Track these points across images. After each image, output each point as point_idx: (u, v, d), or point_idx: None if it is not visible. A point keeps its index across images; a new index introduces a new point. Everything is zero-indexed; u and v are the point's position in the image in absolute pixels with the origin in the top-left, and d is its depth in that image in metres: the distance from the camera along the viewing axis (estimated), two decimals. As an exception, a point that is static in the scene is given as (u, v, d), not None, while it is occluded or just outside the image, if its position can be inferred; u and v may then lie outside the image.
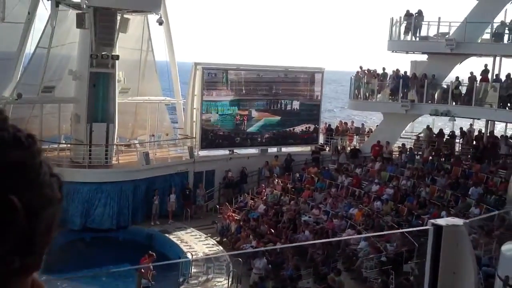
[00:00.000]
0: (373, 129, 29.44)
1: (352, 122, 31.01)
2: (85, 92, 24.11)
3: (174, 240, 21.87)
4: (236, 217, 22.70)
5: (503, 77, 24.92)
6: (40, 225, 0.95)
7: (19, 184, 0.93)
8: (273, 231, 21.11)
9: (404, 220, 20.72)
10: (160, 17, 25.91)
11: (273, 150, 28.68)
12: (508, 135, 25.81)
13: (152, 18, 26.96)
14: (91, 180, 22.75)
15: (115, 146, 24.92)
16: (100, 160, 23.96)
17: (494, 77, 25.23)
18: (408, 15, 27.07)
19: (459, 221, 2.52)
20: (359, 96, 28.32)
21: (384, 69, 28.20)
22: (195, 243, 21.62)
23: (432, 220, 2.55)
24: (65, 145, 25.64)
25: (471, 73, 25.61)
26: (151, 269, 17.15)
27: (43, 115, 24.59)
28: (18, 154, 0.95)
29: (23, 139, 0.97)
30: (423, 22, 27.22)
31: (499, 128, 28.43)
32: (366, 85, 27.94)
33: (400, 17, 27.29)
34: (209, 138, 26.88)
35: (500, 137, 25.37)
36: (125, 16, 24.49)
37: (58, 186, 1.01)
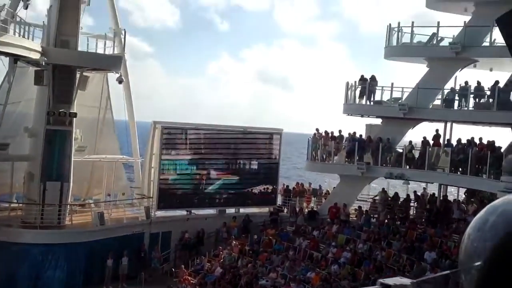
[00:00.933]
0: (330, 191, 29.76)
1: (310, 184, 31.31)
2: (40, 149, 23.66)
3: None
4: (192, 281, 22.27)
5: (454, 143, 25.76)
6: None
7: None
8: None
9: (361, 284, 20.75)
10: (120, 75, 25.93)
11: (231, 210, 28.56)
12: (460, 199, 26.49)
13: (112, 76, 26.98)
14: (42, 242, 22.04)
15: (68, 205, 24.33)
16: (53, 220, 23.31)
17: (446, 142, 26.06)
18: (362, 79, 27.92)
19: (406, 281, 2.63)
20: (317, 158, 28.73)
21: (340, 131, 28.80)
22: (149, 308, 21.03)
23: (380, 280, 2.65)
24: (17, 205, 24.87)
25: (424, 137, 26.40)
26: None
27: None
28: None
29: None
30: (377, 87, 28.04)
31: (452, 192, 29.15)
32: (323, 147, 28.39)
33: (355, 82, 28.12)
34: (167, 198, 26.60)
35: (453, 201, 26.01)
36: (85, 74, 24.43)
37: None
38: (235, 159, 28.63)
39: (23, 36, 22.57)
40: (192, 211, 27.48)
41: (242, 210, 28.68)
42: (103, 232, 23.49)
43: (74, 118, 24.17)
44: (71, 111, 24.01)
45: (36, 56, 22.41)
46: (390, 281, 2.65)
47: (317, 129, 29.35)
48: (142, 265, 23.76)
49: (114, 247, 23.55)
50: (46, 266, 21.88)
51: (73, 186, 24.60)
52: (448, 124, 26.59)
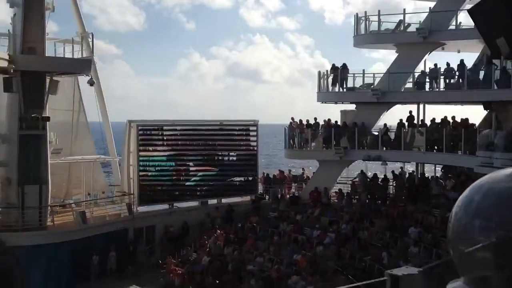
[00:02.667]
0: (310, 177, 30.05)
1: (289, 171, 31.53)
2: (15, 155, 23.37)
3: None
4: (180, 271, 22.24)
5: (428, 122, 26.34)
6: None
7: None
8: (218, 282, 20.81)
9: (347, 263, 21.02)
10: (91, 78, 25.76)
11: (213, 201, 28.61)
12: (438, 175, 27.04)
13: (83, 79, 26.81)
14: (25, 244, 21.68)
15: (49, 207, 24.05)
16: (34, 222, 23.04)
17: (420, 123, 26.63)
18: (333, 68, 28.36)
19: (413, 270, 2.67)
20: (294, 145, 29.01)
21: (316, 119, 29.14)
22: (139, 301, 20.93)
23: (388, 271, 2.72)
24: (-4, 209, 24.50)
25: (401, 120, 26.95)
26: None
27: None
28: None
29: None
30: (348, 74, 28.51)
31: (428, 170, 29.73)
32: (300, 135, 28.70)
33: (327, 71, 28.55)
34: (148, 194, 26.53)
35: (431, 178, 26.54)
36: (54, 78, 24.19)
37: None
38: (213, 153, 28.70)
39: (-11, 46, 22.31)
40: (175, 205, 27.43)
41: (224, 200, 28.74)
42: (86, 231, 23.31)
43: (47, 122, 23.90)
44: (43, 115, 23.75)
45: (3, 64, 22.18)
46: (398, 271, 2.72)
47: (292, 118, 29.64)
48: (129, 260, 23.62)
49: (98, 244, 23.40)
50: (30, 267, 21.54)
51: (52, 188, 24.33)
52: (421, 106, 27.20)
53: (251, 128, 29.86)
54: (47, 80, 23.86)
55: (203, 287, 20.40)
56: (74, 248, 22.69)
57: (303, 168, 31.88)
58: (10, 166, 23.54)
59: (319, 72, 28.98)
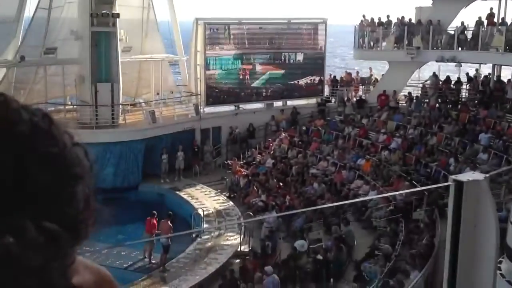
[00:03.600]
0: (378, 79, 29.22)
1: (357, 72, 30.75)
2: (87, 52, 23.92)
3: (185, 197, 22.13)
4: (244, 172, 22.87)
5: (509, 21, 24.53)
6: (77, 206, 0.94)
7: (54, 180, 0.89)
8: (281, 184, 21.29)
9: (412, 169, 20.83)
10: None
11: (278, 104, 28.58)
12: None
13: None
14: (99, 141, 22.78)
15: (121, 105, 24.88)
16: (107, 120, 24.01)
17: (500, 21, 24.83)
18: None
19: (480, 176, 2.53)
20: (364, 45, 28.00)
21: (388, 16, 27.77)
22: (205, 199, 21.87)
23: (453, 176, 2.56)
24: (71, 107, 25.66)
25: (479, 17, 25.20)
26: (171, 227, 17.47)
27: (47, 77, 24.51)
28: (44, 148, 0.90)
29: (42, 125, 0.92)
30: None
31: (506, 73, 28.15)
32: (371, 34, 27.58)
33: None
34: (214, 95, 26.80)
35: (507, 81, 25.14)
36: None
37: (84, 154, 0.98)
38: (280, 52, 28.21)
39: None
40: (240, 106, 27.66)
41: (289, 102, 28.64)
42: (156, 130, 24.07)
43: (117, 19, 24.09)
44: (113, 11, 23.91)
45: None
46: (462, 177, 2.55)
47: (363, 16, 28.39)
48: (195, 159, 24.46)
49: (167, 143, 24.22)
50: (105, 164, 22.76)
51: (123, 87, 24.99)
52: (503, 2, 25.25)
53: (319, 26, 28.90)
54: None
55: (267, 189, 20.94)
56: (145, 146, 23.65)
57: (370, 68, 30.90)
58: (84, 64, 24.24)
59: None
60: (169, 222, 17.69)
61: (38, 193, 0.89)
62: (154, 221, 17.72)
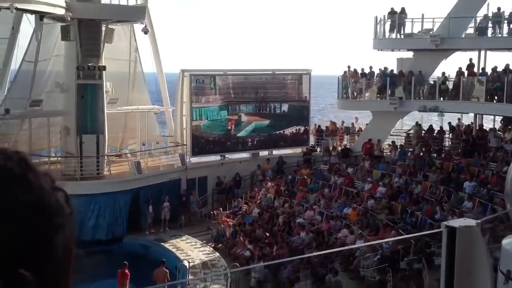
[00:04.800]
0: (362, 128, 29.57)
1: (342, 122, 31.13)
2: (73, 104, 24.01)
3: (170, 248, 21.84)
4: (230, 222, 22.71)
5: (489, 71, 25.16)
6: (55, 255, 0.89)
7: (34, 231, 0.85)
8: (268, 234, 21.12)
9: (398, 218, 20.83)
10: (145, 26, 25.86)
11: (264, 153, 28.73)
12: (497, 127, 26.03)
13: (138, 27, 26.95)
14: (84, 192, 22.60)
15: (106, 156, 24.81)
16: (92, 171, 23.87)
17: (480, 71, 25.47)
18: (392, 13, 27.30)
19: (471, 222, 2.56)
20: (347, 95, 28.46)
21: (371, 67, 28.37)
22: (191, 250, 21.60)
23: (445, 223, 2.58)
24: (56, 158, 25.51)
25: (460, 68, 25.86)
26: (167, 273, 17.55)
27: (32, 129, 24.46)
28: (18, 195, 0.85)
29: (17, 171, 0.87)
30: (406, 20, 27.43)
31: (488, 121, 28.68)
32: (354, 84, 28.08)
33: (384, 16, 27.50)
34: (200, 145, 26.88)
35: (489, 130, 25.58)
36: (110, 26, 24.43)
37: (65, 200, 0.93)
38: (265, 102, 28.55)
39: (47, -7, 22.59)
40: (226, 156, 27.72)
41: (275, 152, 28.79)
42: (141, 181, 23.96)
43: (104, 71, 24.33)
44: (100, 64, 24.15)
45: (61, 11, 22.44)
46: (454, 223, 2.60)
47: (348, 67, 28.96)
48: (182, 210, 24.28)
49: (152, 194, 24.08)
50: (89, 216, 22.51)
51: (108, 138, 25.00)
52: (482, 53, 25.97)
53: (303, 77, 29.40)
54: (103, 29, 24.12)
55: (253, 239, 20.75)
56: (130, 197, 23.47)
57: (356, 118, 31.33)
58: (69, 116, 24.27)
59: (376, 17, 27.92)
60: (164, 268, 17.57)
61: (11, 243, 0.84)
62: (126, 271, 17.61)
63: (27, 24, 24.50)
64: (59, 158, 25.39)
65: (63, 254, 0.91)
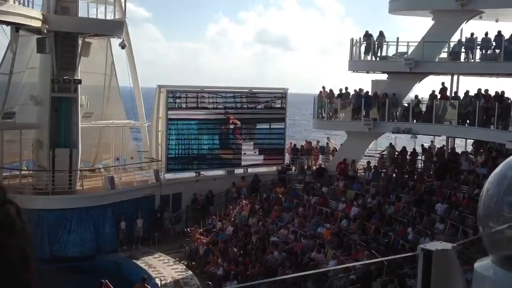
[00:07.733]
0: (337, 148, 29.80)
1: (317, 141, 31.34)
2: (47, 117, 23.72)
3: (142, 265, 21.57)
4: (204, 240, 22.56)
5: (461, 95, 25.66)
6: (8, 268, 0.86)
7: None
8: (242, 252, 21.04)
9: (372, 238, 20.96)
10: (123, 40, 25.78)
11: (239, 171, 28.70)
12: (468, 150, 26.49)
13: (115, 42, 26.86)
14: (55, 207, 22.28)
15: (79, 171, 24.50)
16: (64, 186, 23.54)
17: (453, 95, 25.96)
18: (367, 35, 27.70)
19: (447, 245, 2.61)
20: (323, 115, 28.70)
21: (346, 88, 28.69)
22: (163, 268, 21.37)
23: (421, 245, 2.63)
24: (27, 172, 25.10)
25: (433, 91, 26.31)
26: None
27: (3, 142, 24.06)
28: None
29: None
30: (384, 43, 27.86)
31: (460, 145, 29.15)
32: (329, 104, 28.34)
33: (360, 38, 27.91)
34: (175, 161, 26.73)
35: (461, 153, 26.02)
36: (87, 40, 24.31)
37: (16, 213, 0.90)
38: (241, 120, 28.59)
39: (23, 4, 22.42)
40: (201, 173, 27.62)
41: (250, 170, 28.80)
42: (115, 196, 23.70)
43: (79, 85, 24.13)
44: (75, 78, 23.96)
45: (37, 24, 22.26)
46: (431, 246, 2.66)
47: (323, 87, 29.24)
48: (155, 227, 24.05)
49: (126, 210, 23.82)
50: (60, 231, 22.15)
51: (82, 152, 24.72)
52: (455, 77, 26.49)
53: (280, 96, 29.58)
54: (80, 42, 23.96)
55: (227, 257, 20.64)
56: (102, 213, 23.15)
57: (328, 138, 31.60)
58: (42, 129, 23.96)
59: (352, 40, 28.32)
60: (145, 285, 17.33)
61: None
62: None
63: (3, 35, 24.22)
64: (30, 172, 24.98)
65: (20, 267, 0.86)
